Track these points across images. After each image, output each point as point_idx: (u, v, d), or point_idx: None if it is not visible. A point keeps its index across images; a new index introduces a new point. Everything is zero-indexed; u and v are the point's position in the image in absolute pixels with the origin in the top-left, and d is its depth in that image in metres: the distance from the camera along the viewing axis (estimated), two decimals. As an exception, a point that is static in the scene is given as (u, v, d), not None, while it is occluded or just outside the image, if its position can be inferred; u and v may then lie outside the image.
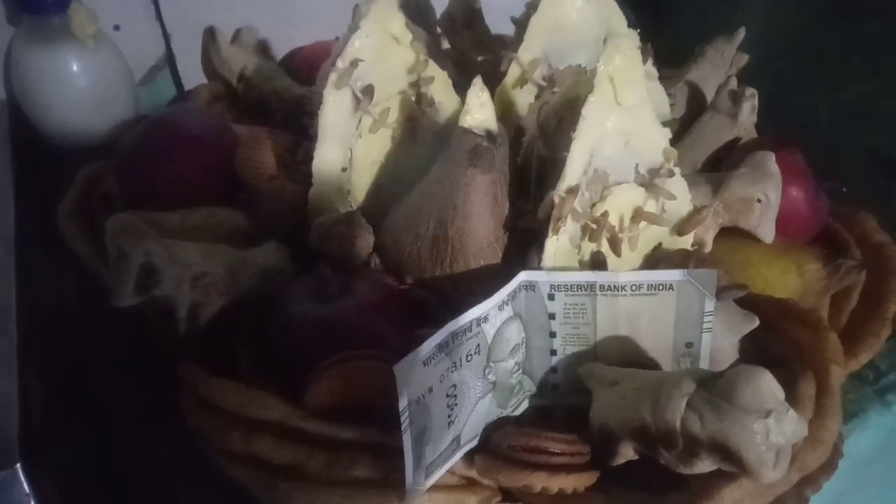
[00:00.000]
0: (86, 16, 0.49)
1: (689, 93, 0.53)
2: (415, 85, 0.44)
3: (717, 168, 0.49)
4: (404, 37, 0.42)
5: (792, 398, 0.31)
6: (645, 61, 0.47)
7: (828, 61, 0.53)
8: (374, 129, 0.42)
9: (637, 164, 0.39)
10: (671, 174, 0.39)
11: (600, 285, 0.33)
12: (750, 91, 0.48)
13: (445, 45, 0.61)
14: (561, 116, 0.40)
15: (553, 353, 0.36)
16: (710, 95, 0.53)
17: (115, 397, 0.41)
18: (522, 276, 0.34)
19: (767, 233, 0.41)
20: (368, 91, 0.41)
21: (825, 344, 0.34)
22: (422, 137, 0.45)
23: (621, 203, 0.38)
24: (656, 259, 0.41)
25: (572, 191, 0.35)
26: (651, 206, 0.39)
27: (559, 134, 0.40)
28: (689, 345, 0.34)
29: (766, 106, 0.53)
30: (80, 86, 0.51)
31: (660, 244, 0.41)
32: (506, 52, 0.46)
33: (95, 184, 0.48)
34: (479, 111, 0.37)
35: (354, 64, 0.40)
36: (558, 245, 0.36)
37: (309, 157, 0.42)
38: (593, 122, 0.36)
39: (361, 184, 0.43)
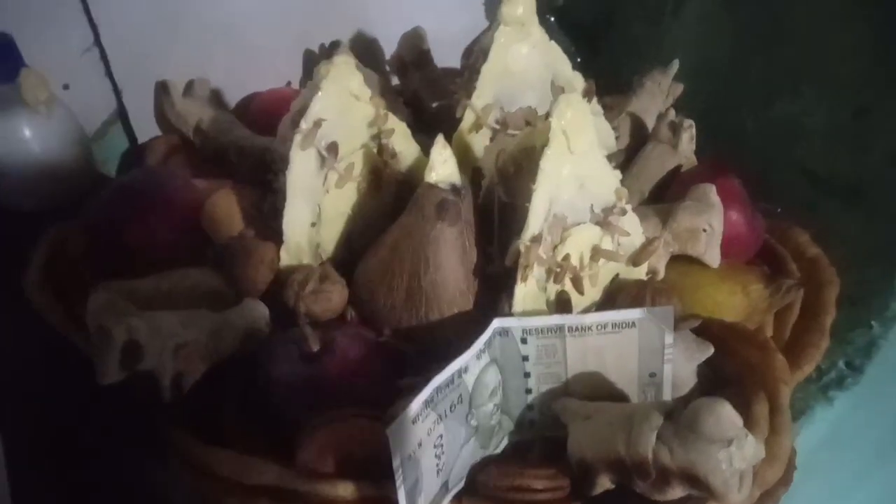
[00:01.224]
0: (36, 80, 0.48)
1: (631, 124, 0.56)
2: (376, 137, 0.45)
3: (664, 194, 0.52)
4: (363, 93, 0.44)
5: (748, 420, 0.34)
6: (590, 100, 0.50)
7: (753, 83, 0.57)
8: (341, 183, 0.43)
9: (592, 205, 0.42)
10: (624, 212, 0.42)
11: (569, 327, 0.36)
12: (687, 122, 0.52)
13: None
14: (518, 163, 0.42)
15: (528, 391, 0.38)
16: (650, 124, 0.57)
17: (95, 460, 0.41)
18: (496, 324, 0.36)
19: (714, 258, 0.45)
20: (333, 149, 0.43)
21: (773, 364, 0.37)
22: (386, 187, 0.46)
23: (580, 242, 0.41)
24: (615, 289, 0.44)
25: (536, 239, 0.38)
26: (607, 243, 0.42)
27: (518, 180, 0.42)
28: (652, 375, 0.37)
29: (701, 126, 0.57)
30: (33, 151, 0.51)
31: (617, 275, 0.44)
32: (459, 97, 0.48)
33: (59, 248, 0.48)
34: (443, 167, 0.39)
35: (318, 124, 0.41)
36: (526, 290, 0.38)
37: (275, 210, 0.44)
38: (551, 173, 0.38)
39: (331, 236, 0.45)
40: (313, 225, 0.44)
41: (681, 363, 0.37)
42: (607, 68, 0.70)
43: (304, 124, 0.41)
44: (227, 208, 0.47)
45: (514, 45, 0.47)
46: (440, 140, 0.39)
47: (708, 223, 0.44)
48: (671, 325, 0.35)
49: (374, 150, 0.45)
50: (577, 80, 0.50)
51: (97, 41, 0.54)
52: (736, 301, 0.44)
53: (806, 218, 0.55)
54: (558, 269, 0.39)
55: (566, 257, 0.39)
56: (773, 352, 0.38)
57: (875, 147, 0.48)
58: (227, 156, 0.56)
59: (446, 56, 0.71)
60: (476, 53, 0.51)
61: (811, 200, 0.55)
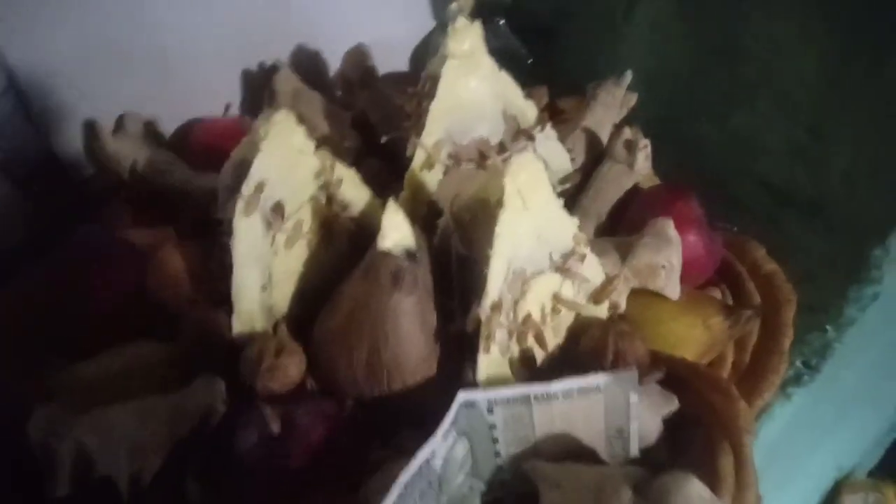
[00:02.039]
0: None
1: (586, 140, 0.55)
2: (324, 188, 0.43)
3: (622, 214, 0.52)
4: (308, 147, 0.41)
5: (715, 477, 0.35)
6: (542, 128, 0.49)
7: (714, 94, 0.56)
8: (290, 244, 0.41)
9: (550, 253, 0.41)
10: (583, 257, 0.41)
11: (535, 396, 0.35)
12: (643, 141, 0.51)
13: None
14: (474, 213, 0.41)
15: (497, 454, 0.37)
16: (604, 137, 0.56)
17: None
18: (461, 397, 0.35)
19: (673, 292, 0.45)
20: (279, 210, 0.41)
21: (737, 412, 0.37)
22: (338, 237, 0.45)
23: (541, 293, 0.40)
24: (578, 329, 0.43)
25: (497, 306, 0.37)
26: (568, 288, 0.42)
27: (474, 231, 0.41)
28: (619, 431, 0.37)
29: (655, 133, 0.56)
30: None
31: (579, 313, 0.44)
32: (408, 135, 0.46)
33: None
34: (396, 232, 0.38)
35: (260, 188, 0.39)
36: (490, 358, 0.37)
37: (223, 267, 0.42)
38: (508, 236, 0.37)
39: (284, 296, 0.43)
40: (264, 289, 0.42)
41: (647, 417, 0.37)
42: (559, 68, 0.68)
43: (246, 189, 0.39)
44: (172, 270, 0.44)
45: (463, 79, 0.45)
46: (391, 205, 0.38)
47: (667, 260, 0.43)
48: (636, 387, 0.35)
49: (323, 202, 0.43)
50: (529, 109, 0.48)
51: (12, 84, 0.50)
52: (696, 334, 0.44)
53: (764, 229, 0.55)
54: (521, 330, 0.38)
55: (527, 318, 0.39)
56: (736, 400, 0.38)
57: (831, 164, 0.48)
58: (168, 199, 0.53)
59: (395, 61, 0.68)
60: (424, 80, 0.49)
61: (770, 212, 0.55)
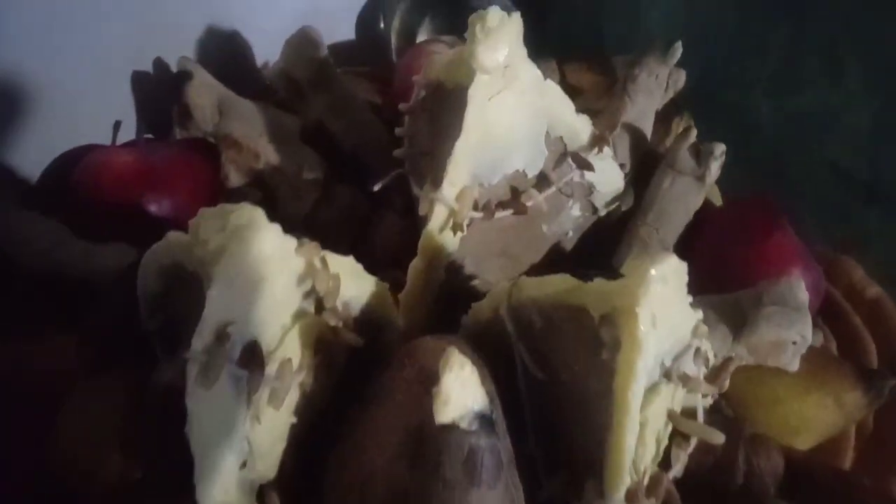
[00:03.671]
0: None
1: (630, 140, 0.41)
2: (311, 294, 0.28)
3: (691, 243, 0.39)
4: (287, 248, 0.26)
5: None
6: (601, 149, 0.35)
7: (773, 63, 0.43)
8: (277, 400, 0.27)
9: (663, 359, 0.28)
10: (706, 359, 0.29)
11: None
12: (719, 148, 0.38)
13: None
14: (549, 318, 0.27)
15: None
16: (648, 130, 0.42)
17: None
18: None
19: (796, 364, 0.34)
20: (254, 355, 0.25)
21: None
22: (338, 356, 0.30)
23: (657, 419, 0.28)
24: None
25: (632, 497, 0.24)
26: (679, 398, 0.30)
27: (556, 347, 0.27)
28: None
29: (689, 107, 0.44)
30: None
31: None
32: (425, 192, 0.31)
33: None
34: (462, 392, 0.24)
35: (223, 337, 0.24)
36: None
37: (170, 440, 0.27)
38: (637, 392, 0.24)
39: (271, 464, 0.29)
40: (243, 466, 0.27)
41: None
42: (558, 30, 0.53)
43: (200, 342, 0.23)
44: (82, 432, 0.29)
45: (496, 100, 0.30)
46: (453, 355, 0.23)
47: (799, 334, 0.32)
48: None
49: (313, 313, 0.28)
50: (583, 125, 0.34)
51: None
52: (826, 415, 0.34)
53: (832, 221, 0.44)
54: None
55: (658, 477, 0.26)
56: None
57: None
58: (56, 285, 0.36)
59: (333, 30, 0.51)
60: (420, 88, 0.34)
61: (842, 208, 0.44)
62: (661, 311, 0.24)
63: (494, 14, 0.28)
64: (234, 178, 0.39)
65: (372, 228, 0.40)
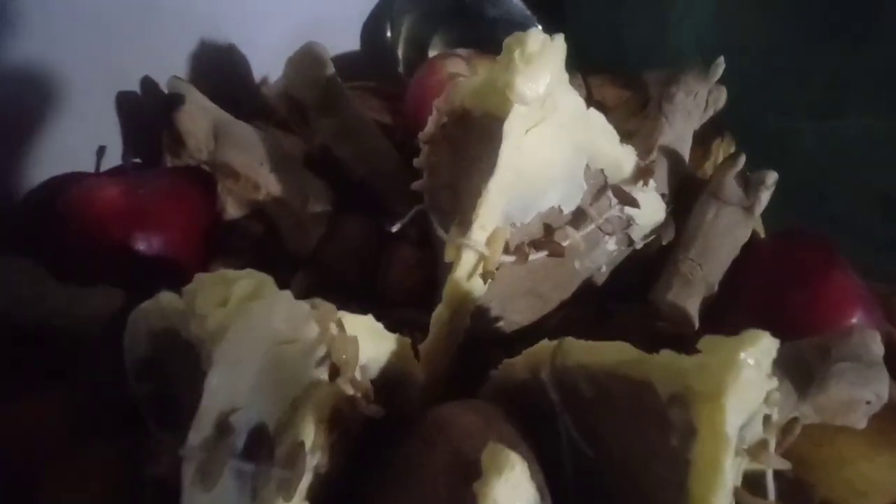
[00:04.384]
0: None
1: (667, 164, 0.37)
2: (326, 359, 0.24)
3: (736, 280, 0.36)
4: (297, 314, 0.22)
5: None
6: (646, 183, 0.31)
7: (818, 86, 0.39)
8: (289, 491, 0.23)
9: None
10: (784, 433, 0.25)
11: None
12: (771, 177, 0.34)
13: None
14: (600, 385, 0.24)
15: None
16: (686, 153, 0.39)
17: None
18: None
19: (864, 423, 0.30)
20: (262, 440, 0.22)
21: None
22: (354, 429, 0.26)
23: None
24: None
25: None
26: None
27: (606, 420, 0.24)
28: None
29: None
30: None
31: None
32: (451, 238, 0.27)
33: None
34: (511, 495, 0.20)
35: (226, 429, 0.20)
36: None
37: None
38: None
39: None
40: (251, 564, 0.23)
41: None
42: (577, 41, 0.49)
43: (198, 436, 0.20)
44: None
45: (534, 134, 0.26)
46: (501, 455, 0.20)
47: (875, 394, 0.28)
48: None
49: (325, 378, 0.24)
50: (627, 156, 0.30)
51: None
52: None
53: (879, 253, 0.41)
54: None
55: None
56: None
57: None
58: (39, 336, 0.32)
59: (340, 40, 0.47)
60: (440, 115, 0.30)
61: (891, 235, 0.41)
62: (747, 395, 0.20)
63: (536, 37, 0.24)
64: (232, 211, 0.36)
65: (383, 263, 0.37)
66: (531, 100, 0.24)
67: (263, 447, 0.22)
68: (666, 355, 0.21)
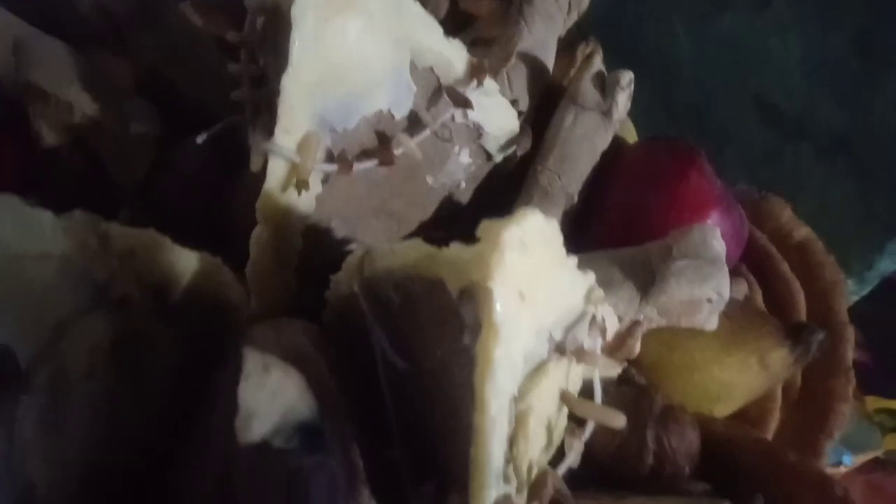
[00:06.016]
0: None
1: (527, 72, 0.35)
2: (91, 277, 0.22)
3: (599, 190, 0.34)
4: (34, 223, 0.19)
5: None
6: (480, 81, 0.29)
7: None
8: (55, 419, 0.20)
9: (551, 331, 0.23)
10: (603, 329, 0.24)
11: None
12: (625, 77, 0.33)
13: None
14: (405, 291, 0.22)
15: None
16: (549, 61, 0.37)
17: None
18: None
19: (714, 323, 0.29)
20: (7, 366, 0.19)
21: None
22: (159, 356, 0.24)
23: (543, 404, 0.23)
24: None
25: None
26: (578, 374, 0.25)
27: (414, 324, 0.22)
28: None
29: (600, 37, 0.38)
30: None
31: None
32: (254, 143, 0.25)
33: None
34: (270, 403, 0.18)
35: None
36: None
37: None
38: (504, 362, 0.19)
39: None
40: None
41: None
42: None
43: None
44: None
45: (335, 22, 0.24)
46: (249, 358, 0.17)
47: (715, 291, 0.27)
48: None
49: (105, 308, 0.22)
50: (456, 53, 0.28)
51: None
52: (749, 378, 0.30)
53: (760, 158, 0.40)
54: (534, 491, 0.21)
55: (543, 477, 0.21)
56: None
57: (875, 91, 0.33)
58: None
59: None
60: (254, 12, 0.27)
61: (770, 140, 0.40)
62: (534, 282, 0.18)
63: None
64: (50, 137, 0.32)
65: (227, 196, 0.34)
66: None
67: (10, 373, 0.19)
68: (454, 248, 0.19)
